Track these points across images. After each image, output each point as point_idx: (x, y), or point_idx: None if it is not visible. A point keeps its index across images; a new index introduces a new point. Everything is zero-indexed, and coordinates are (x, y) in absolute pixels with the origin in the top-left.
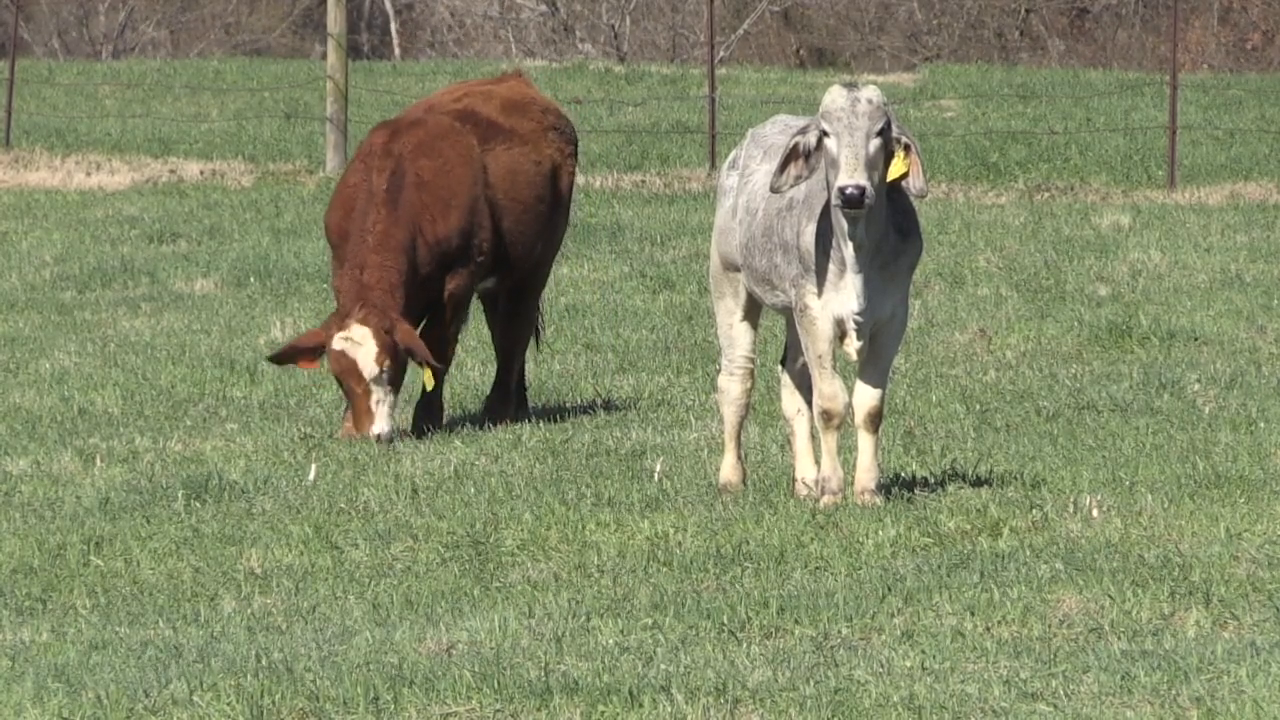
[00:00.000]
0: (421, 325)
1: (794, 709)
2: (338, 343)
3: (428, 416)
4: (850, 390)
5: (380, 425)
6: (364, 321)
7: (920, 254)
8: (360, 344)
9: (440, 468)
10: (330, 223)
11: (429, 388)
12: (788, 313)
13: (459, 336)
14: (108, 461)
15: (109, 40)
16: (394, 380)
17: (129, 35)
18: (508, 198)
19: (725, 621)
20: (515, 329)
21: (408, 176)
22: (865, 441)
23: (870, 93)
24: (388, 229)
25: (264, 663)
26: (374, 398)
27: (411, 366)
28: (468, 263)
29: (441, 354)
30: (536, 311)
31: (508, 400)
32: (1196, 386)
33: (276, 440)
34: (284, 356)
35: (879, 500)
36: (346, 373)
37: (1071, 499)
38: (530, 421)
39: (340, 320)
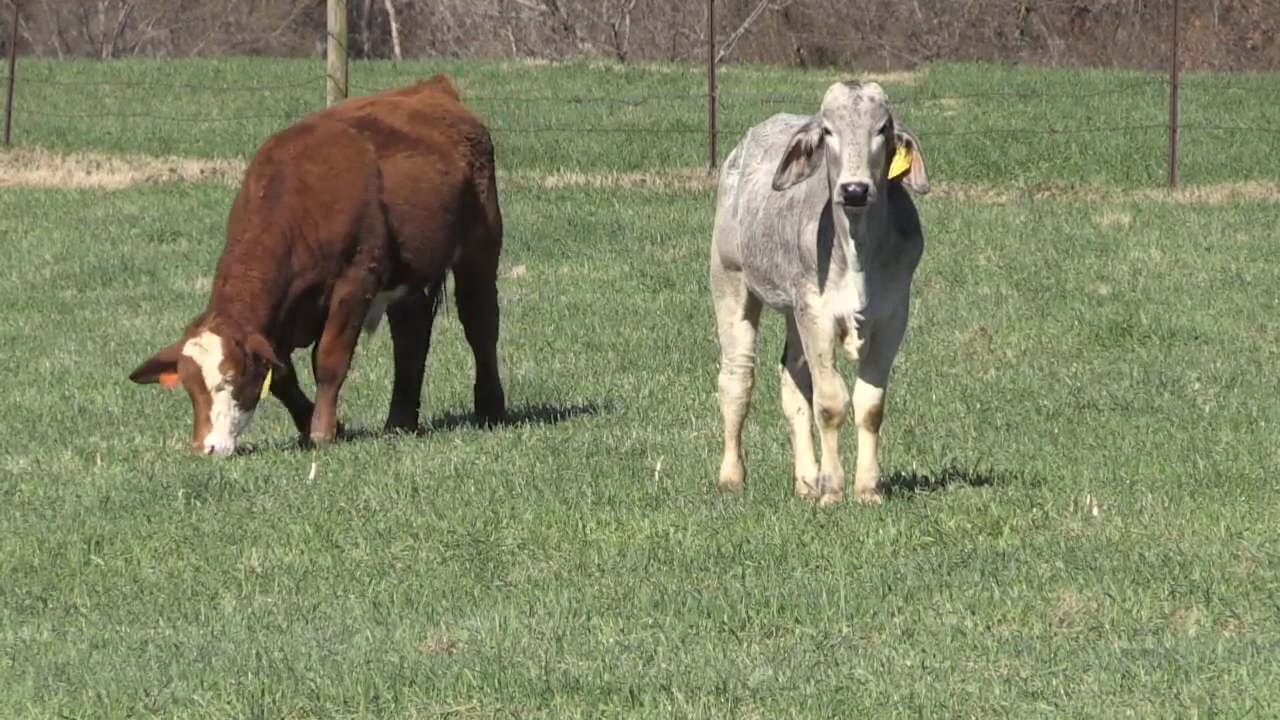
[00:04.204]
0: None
1: (794, 708)
2: (188, 348)
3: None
4: (851, 389)
5: (215, 438)
6: (216, 330)
7: (921, 253)
8: (207, 351)
9: (441, 467)
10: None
11: (264, 394)
12: (788, 312)
13: (355, 347)
14: (108, 460)
15: (109, 39)
16: (240, 395)
17: (129, 34)
18: (408, 204)
19: (726, 620)
20: (481, 324)
21: (288, 182)
22: (866, 440)
23: (872, 90)
24: (256, 236)
25: (264, 662)
26: (214, 408)
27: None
28: (357, 268)
29: (332, 365)
30: (496, 302)
31: (496, 393)
32: (1197, 385)
33: (277, 439)
34: (145, 373)
35: (879, 499)
36: (191, 379)
37: (1072, 498)
38: (529, 420)
39: (195, 329)
